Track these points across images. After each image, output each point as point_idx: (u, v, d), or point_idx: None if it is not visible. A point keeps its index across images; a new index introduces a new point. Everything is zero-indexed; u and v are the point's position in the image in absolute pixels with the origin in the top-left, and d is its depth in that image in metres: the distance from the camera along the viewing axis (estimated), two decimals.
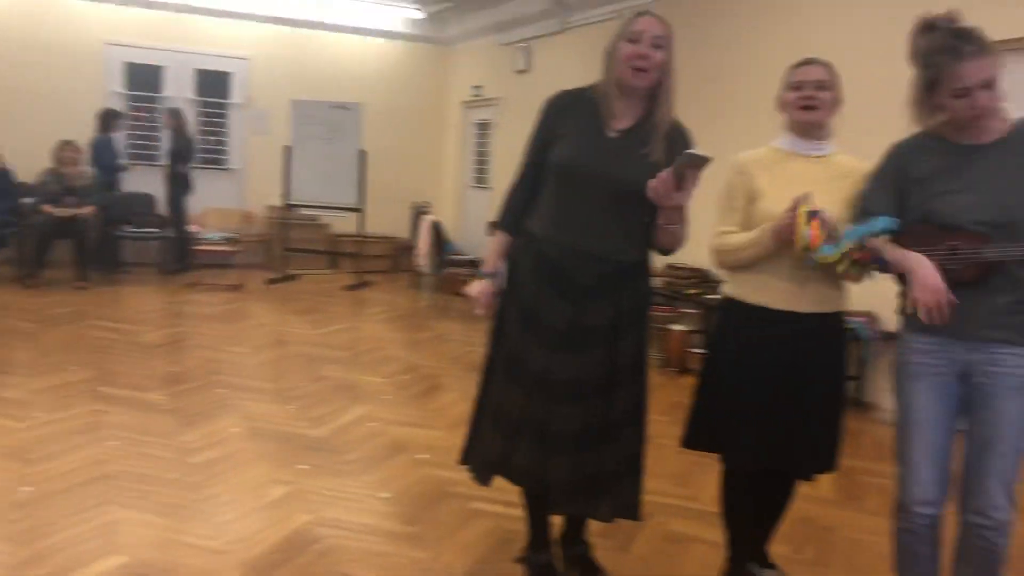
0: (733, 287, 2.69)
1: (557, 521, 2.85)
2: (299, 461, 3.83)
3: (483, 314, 2.65)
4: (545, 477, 2.49)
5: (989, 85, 2.16)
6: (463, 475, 3.69)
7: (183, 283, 8.67)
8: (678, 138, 2.47)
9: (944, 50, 2.17)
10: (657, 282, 6.68)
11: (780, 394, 2.56)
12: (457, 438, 2.71)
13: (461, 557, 2.99)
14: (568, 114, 2.53)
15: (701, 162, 2.21)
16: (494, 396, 2.59)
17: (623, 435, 2.54)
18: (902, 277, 2.35)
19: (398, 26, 11.16)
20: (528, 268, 2.54)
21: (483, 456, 2.61)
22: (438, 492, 3.56)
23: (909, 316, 2.39)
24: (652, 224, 2.47)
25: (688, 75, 7.52)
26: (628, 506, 2.58)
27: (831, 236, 2.36)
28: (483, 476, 2.63)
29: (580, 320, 2.47)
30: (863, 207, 2.44)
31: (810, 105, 2.54)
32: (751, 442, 2.58)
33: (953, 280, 2.21)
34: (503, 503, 3.28)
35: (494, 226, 2.72)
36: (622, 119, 2.48)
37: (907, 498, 2.37)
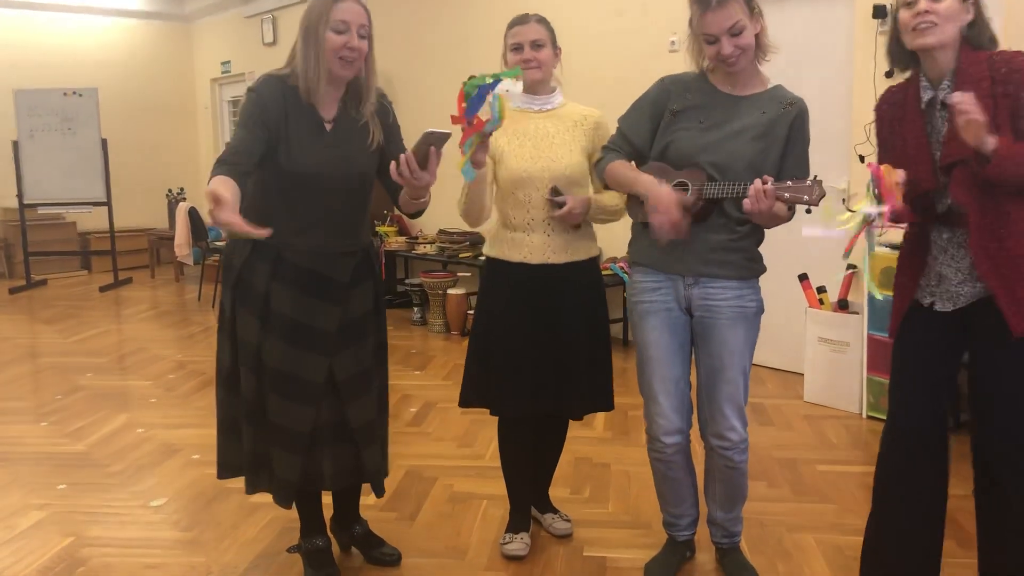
0: (491, 247, 2.76)
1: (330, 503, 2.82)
2: (57, 481, 3.53)
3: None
4: (361, 469, 2.54)
5: (736, 32, 2.29)
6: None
7: None
8: (384, 107, 2.52)
9: (694, 2, 2.31)
10: (431, 249, 6.72)
11: (542, 342, 2.67)
12: None
13: (243, 554, 2.88)
14: (280, 107, 2.36)
15: (441, 139, 2.18)
16: (269, 418, 2.45)
17: (385, 397, 2.67)
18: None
19: (131, 3, 10.39)
20: (267, 278, 2.40)
21: (280, 481, 2.48)
22: (215, 491, 3.40)
23: (634, 254, 2.54)
24: (396, 196, 2.49)
25: (428, 41, 7.60)
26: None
27: None
28: (286, 499, 2.51)
29: (348, 315, 2.48)
30: (620, 126, 2.56)
31: (532, 66, 2.63)
32: (518, 392, 2.67)
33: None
34: None
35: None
36: (327, 107, 2.43)
37: (653, 430, 2.53)
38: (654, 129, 2.48)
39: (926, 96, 2.19)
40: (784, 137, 2.37)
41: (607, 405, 2.80)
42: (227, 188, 2.05)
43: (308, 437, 2.45)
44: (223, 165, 2.24)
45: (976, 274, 2.15)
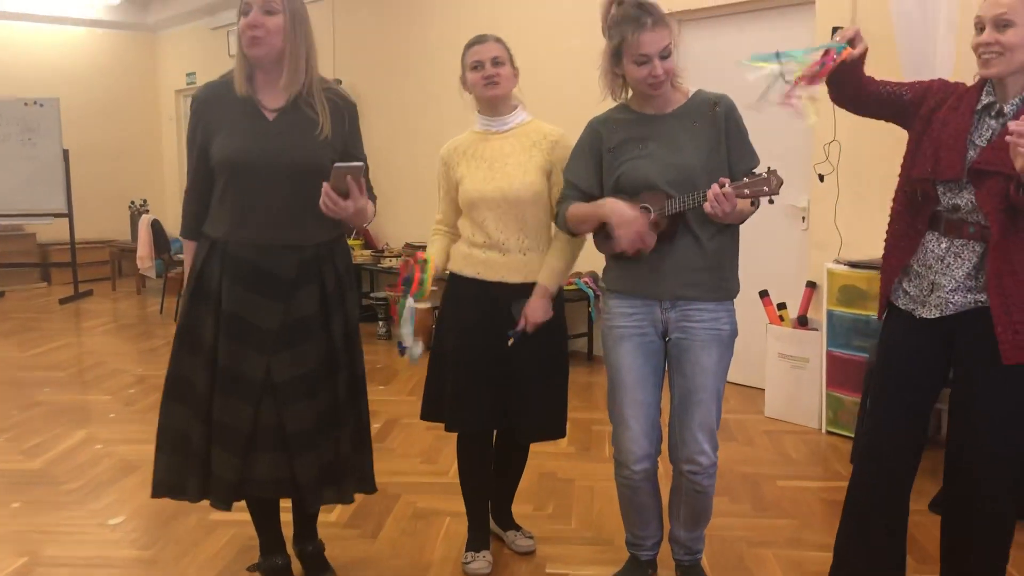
0: (462, 265, 2.75)
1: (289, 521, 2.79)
2: (11, 499, 3.46)
3: None
4: (294, 480, 2.44)
5: (665, 55, 2.33)
6: None
7: None
8: (342, 106, 2.47)
9: (628, 20, 2.32)
10: (396, 262, 6.71)
11: (496, 359, 2.67)
12: None
13: (202, 573, 2.84)
14: (215, 106, 2.39)
15: (356, 170, 2.21)
16: (214, 415, 2.41)
17: (351, 414, 2.54)
18: (599, 238, 2.51)
19: (94, 13, 10.27)
20: (219, 274, 2.39)
21: (218, 480, 2.43)
22: (175, 509, 3.34)
23: (608, 282, 2.56)
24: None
25: (394, 55, 7.59)
26: (365, 479, 2.62)
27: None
28: (224, 501, 2.45)
29: (292, 314, 2.40)
30: (565, 176, 2.59)
31: (493, 82, 2.65)
32: (477, 406, 2.68)
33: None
34: (242, 510, 3.15)
35: (184, 236, 2.55)
36: (272, 97, 2.39)
37: (623, 456, 2.52)
38: (598, 171, 2.50)
39: (986, 99, 2.19)
40: (723, 135, 2.41)
41: (559, 432, 2.79)
42: None
43: (247, 437, 2.39)
44: (187, 225, 2.48)
45: (969, 284, 2.18)
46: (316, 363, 2.44)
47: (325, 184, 2.22)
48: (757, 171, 2.28)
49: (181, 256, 7.79)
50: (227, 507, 2.46)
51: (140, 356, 6.19)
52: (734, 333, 2.49)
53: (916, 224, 2.28)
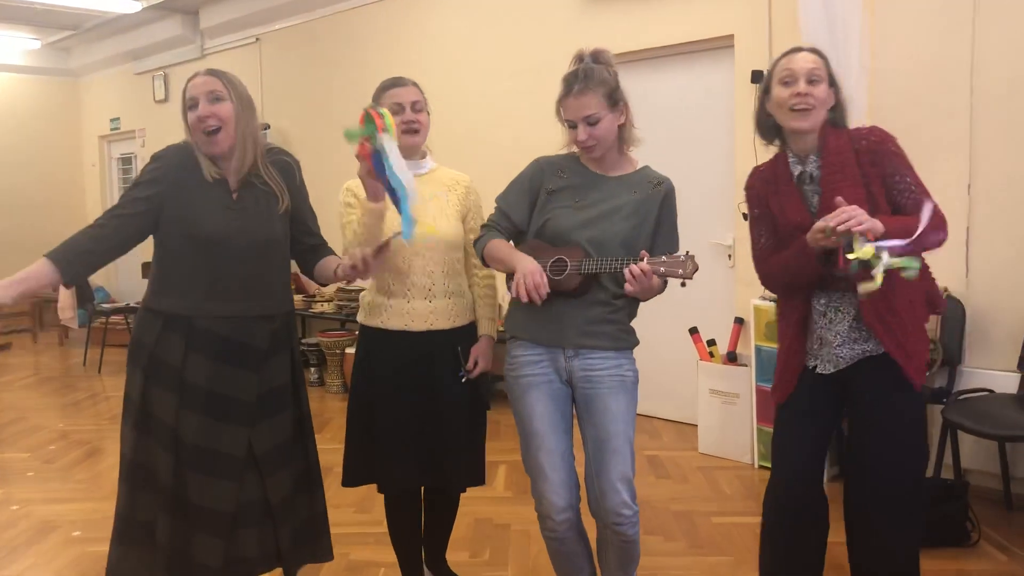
0: (368, 316, 2.70)
1: None
2: None
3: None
4: (278, 550, 2.45)
5: (591, 121, 2.36)
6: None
7: None
8: (286, 164, 2.52)
9: (563, 83, 2.38)
10: (329, 307, 6.63)
11: (425, 412, 2.63)
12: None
13: None
14: (183, 177, 2.37)
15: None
16: (189, 499, 2.32)
17: (319, 472, 2.62)
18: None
19: (14, 58, 10.05)
20: (182, 350, 2.33)
21: (200, 568, 2.33)
22: (98, 570, 3.23)
23: (512, 328, 2.54)
24: (305, 263, 2.58)
25: (330, 99, 7.57)
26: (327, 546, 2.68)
27: None
28: None
29: (266, 384, 2.42)
30: (499, 204, 2.58)
31: (413, 128, 2.64)
32: (405, 464, 2.62)
33: (558, 289, 2.39)
34: None
35: (53, 259, 2.37)
36: (229, 173, 2.41)
37: (544, 508, 2.46)
38: (531, 207, 2.52)
39: (796, 170, 2.32)
40: (655, 215, 2.45)
41: (480, 479, 2.77)
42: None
43: (231, 517, 2.34)
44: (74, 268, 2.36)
45: (854, 336, 2.28)
46: (291, 431, 2.48)
47: (364, 251, 2.31)
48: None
49: (105, 306, 7.64)
50: None
51: (62, 410, 5.98)
52: (637, 379, 2.49)
53: (798, 305, 2.36)
